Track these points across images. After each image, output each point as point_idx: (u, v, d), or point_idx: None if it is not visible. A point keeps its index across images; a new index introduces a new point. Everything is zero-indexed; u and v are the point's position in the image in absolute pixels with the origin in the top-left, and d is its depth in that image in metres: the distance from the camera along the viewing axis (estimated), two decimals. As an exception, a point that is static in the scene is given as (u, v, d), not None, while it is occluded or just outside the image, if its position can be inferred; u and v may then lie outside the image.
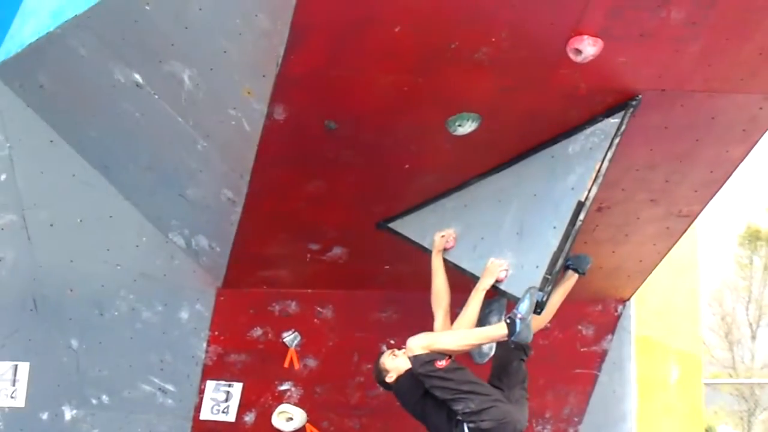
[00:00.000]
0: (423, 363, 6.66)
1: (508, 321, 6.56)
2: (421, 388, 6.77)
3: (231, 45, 6.28)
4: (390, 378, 6.95)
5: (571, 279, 7.29)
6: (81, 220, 8.10)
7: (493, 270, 6.93)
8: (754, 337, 39.84)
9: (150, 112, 7.26)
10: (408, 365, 6.80)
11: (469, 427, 6.62)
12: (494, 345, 7.66)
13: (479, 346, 7.18)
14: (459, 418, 6.64)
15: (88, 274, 8.13)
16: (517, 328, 6.48)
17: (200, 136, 7.12)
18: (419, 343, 6.73)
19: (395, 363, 6.93)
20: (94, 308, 8.16)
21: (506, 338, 6.60)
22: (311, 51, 5.94)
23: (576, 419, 9.28)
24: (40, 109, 7.94)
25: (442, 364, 6.63)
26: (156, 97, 7.08)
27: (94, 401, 8.20)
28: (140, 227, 8.22)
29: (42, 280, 7.99)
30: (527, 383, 7.07)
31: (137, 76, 7.05)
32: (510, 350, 6.95)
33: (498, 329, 6.69)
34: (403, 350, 6.91)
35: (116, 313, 8.24)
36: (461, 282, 7.21)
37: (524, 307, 6.49)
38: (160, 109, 7.13)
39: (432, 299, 7.28)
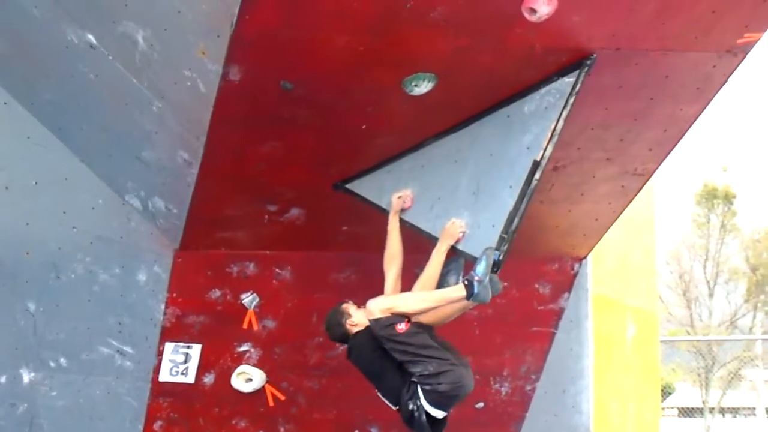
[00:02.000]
0: (384, 326, 6.66)
1: (465, 283, 6.58)
2: (379, 347, 6.78)
3: (185, 5, 6.23)
4: (351, 326, 6.91)
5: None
6: (36, 183, 8.05)
7: (452, 231, 6.95)
8: (711, 295, 40.24)
9: (104, 74, 7.21)
10: (366, 321, 6.81)
11: (424, 389, 6.65)
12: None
13: (438, 308, 7.17)
14: (414, 380, 6.67)
15: (44, 237, 8.09)
16: (475, 290, 6.50)
17: (155, 97, 7.08)
18: (379, 306, 6.71)
19: (360, 315, 6.89)
20: (50, 271, 8.12)
21: (465, 299, 6.63)
22: (266, 11, 5.90)
23: (533, 377, 9.35)
24: (-7, 71, 7.87)
25: (402, 328, 6.64)
26: (110, 58, 7.02)
27: (52, 364, 8.17)
28: (96, 189, 8.19)
29: (-3, 243, 7.95)
30: None
31: (90, 37, 6.99)
32: None
33: (456, 291, 6.69)
34: (363, 308, 6.89)
35: (73, 276, 8.21)
36: (417, 243, 7.23)
37: (481, 268, 6.51)
38: (114, 70, 7.07)
39: (384, 259, 7.28)
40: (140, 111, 7.28)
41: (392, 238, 7.29)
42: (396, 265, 7.20)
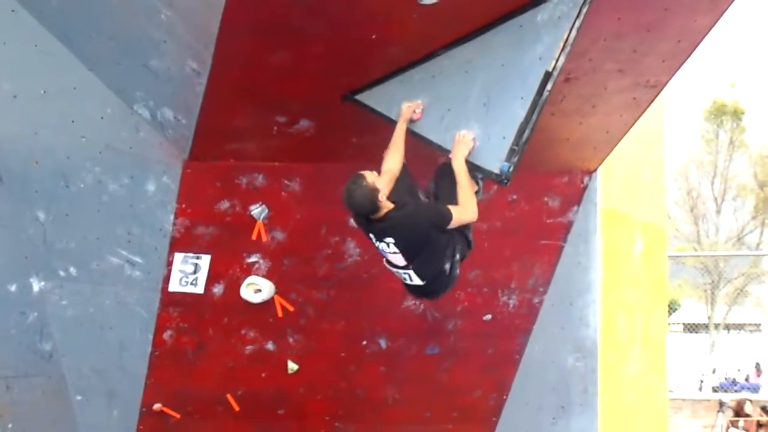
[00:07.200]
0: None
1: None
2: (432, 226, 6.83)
3: None
4: (383, 204, 6.68)
5: None
6: (44, 92, 7.99)
7: (467, 141, 6.88)
8: (718, 212, 40.36)
9: (112, -20, 7.14)
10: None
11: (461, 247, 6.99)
12: None
13: None
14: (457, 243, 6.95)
15: (52, 146, 8.06)
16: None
17: (163, 5, 7.00)
18: (455, 221, 6.79)
19: (383, 186, 6.74)
20: (59, 180, 8.11)
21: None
22: None
23: (541, 289, 9.38)
24: (0, -22, 7.79)
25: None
26: (118, -35, 6.96)
27: (62, 273, 8.21)
28: (105, 99, 8.13)
29: (6, 152, 7.89)
30: None
31: (99, -57, 6.92)
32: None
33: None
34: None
35: (82, 185, 8.21)
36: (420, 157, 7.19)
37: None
38: (122, -22, 7.01)
39: (384, 161, 7.02)
40: (149, 19, 7.21)
41: (397, 143, 7.08)
42: (394, 169, 6.93)
